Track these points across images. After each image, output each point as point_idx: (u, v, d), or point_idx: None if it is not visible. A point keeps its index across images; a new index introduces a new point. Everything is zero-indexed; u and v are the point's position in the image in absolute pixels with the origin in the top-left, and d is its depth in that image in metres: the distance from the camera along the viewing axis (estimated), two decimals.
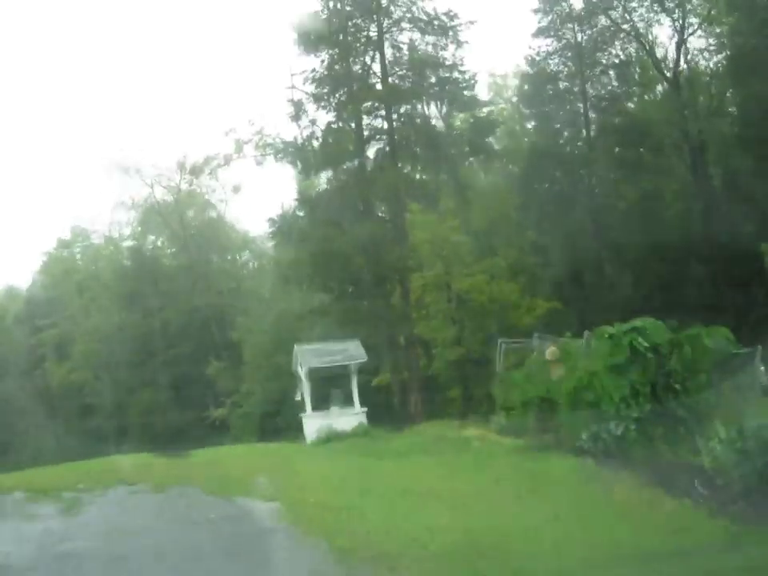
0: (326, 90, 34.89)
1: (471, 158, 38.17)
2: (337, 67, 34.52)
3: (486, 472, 14.73)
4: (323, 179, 38.70)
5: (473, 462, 16.38)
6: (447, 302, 30.75)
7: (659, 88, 38.91)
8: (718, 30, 35.40)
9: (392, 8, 34.72)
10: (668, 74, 35.98)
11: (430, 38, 35.00)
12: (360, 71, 35.20)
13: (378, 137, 35.66)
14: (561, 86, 36.90)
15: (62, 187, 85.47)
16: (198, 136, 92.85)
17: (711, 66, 36.96)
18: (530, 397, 19.59)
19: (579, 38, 36.13)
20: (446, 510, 11.64)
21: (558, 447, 16.21)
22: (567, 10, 36.01)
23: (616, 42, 36.66)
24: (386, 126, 34.96)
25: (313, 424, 25.78)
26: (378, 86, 35.15)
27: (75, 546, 11.27)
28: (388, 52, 35.02)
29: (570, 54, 36.16)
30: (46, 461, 25.40)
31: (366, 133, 35.34)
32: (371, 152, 36.11)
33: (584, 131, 36.86)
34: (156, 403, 43.32)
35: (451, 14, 34.36)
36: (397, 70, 35.72)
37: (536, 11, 36.27)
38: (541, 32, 36.43)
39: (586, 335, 19.53)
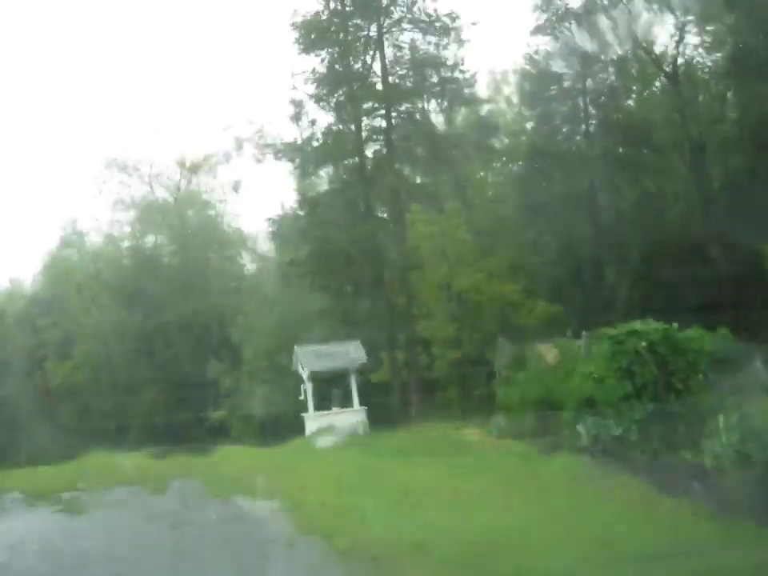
0: (325, 91, 34.88)
1: (472, 158, 38.15)
2: (337, 67, 34.52)
3: (485, 472, 14.72)
4: (323, 179, 38.73)
5: (472, 462, 16.36)
6: (447, 302, 30.73)
7: (658, 86, 38.84)
8: (714, 28, 35.31)
9: (392, 8, 34.76)
10: (667, 70, 35.94)
11: (432, 38, 35.04)
12: (360, 71, 35.18)
13: (376, 136, 35.65)
14: (560, 84, 36.82)
15: (61, 186, 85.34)
16: (198, 135, 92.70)
17: (710, 64, 36.89)
18: (529, 397, 19.62)
19: (577, 36, 36.09)
20: (445, 510, 11.63)
21: (558, 447, 16.21)
22: (565, 8, 35.96)
23: (615, 40, 36.61)
24: (384, 124, 34.95)
25: (314, 424, 25.81)
26: (379, 86, 35.15)
27: None
28: (388, 51, 35.07)
29: (568, 51, 36.11)
30: (45, 460, 25.41)
31: (365, 133, 35.33)
32: (370, 151, 36.12)
33: (583, 130, 36.80)
34: (156, 403, 43.23)
35: (453, 15, 34.43)
36: (398, 69, 35.74)
37: (534, 9, 36.26)
38: (539, 30, 36.36)
39: (584, 336, 19.54)
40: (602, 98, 35.95)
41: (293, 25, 34.35)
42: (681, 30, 34.96)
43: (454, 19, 34.36)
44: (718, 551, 8.83)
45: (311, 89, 34.95)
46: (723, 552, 8.78)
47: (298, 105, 35.45)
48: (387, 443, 21.31)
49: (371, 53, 34.96)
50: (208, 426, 39.63)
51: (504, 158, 39.45)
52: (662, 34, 36.90)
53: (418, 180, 37.88)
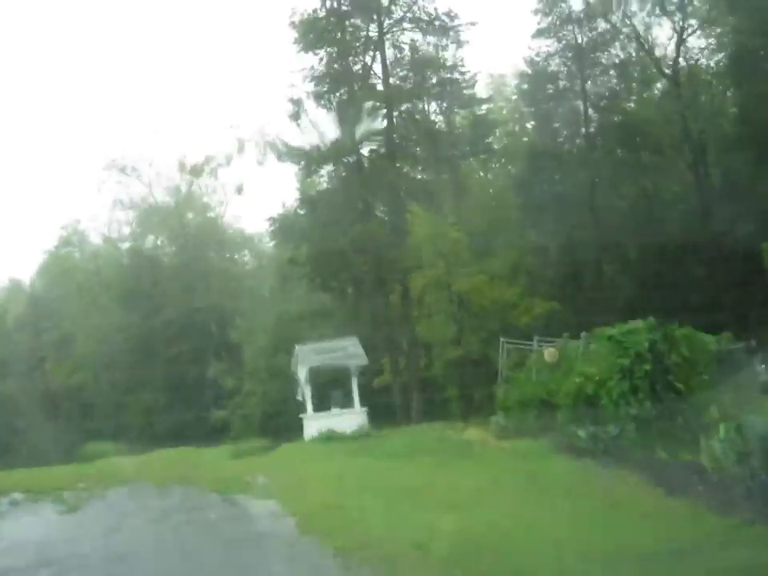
0: (325, 89, 34.89)
1: (471, 158, 38.17)
2: (336, 66, 34.53)
3: (485, 472, 14.70)
4: (323, 178, 38.72)
5: (472, 463, 16.36)
6: (448, 302, 30.72)
7: (659, 88, 38.92)
8: (718, 30, 35.39)
9: (393, 7, 34.77)
10: (668, 72, 36.00)
11: (431, 39, 35.10)
12: (360, 71, 35.20)
13: (376, 136, 35.64)
14: (560, 86, 36.88)
15: (61, 186, 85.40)
16: (198, 136, 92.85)
17: (711, 65, 36.97)
18: (529, 397, 19.63)
19: (579, 39, 36.13)
20: (445, 510, 11.61)
21: (557, 447, 16.22)
22: (567, 11, 36.00)
23: (616, 42, 36.66)
24: (385, 123, 34.94)
25: (313, 424, 25.75)
26: (379, 86, 35.18)
27: None
28: (389, 52, 35.15)
29: (569, 54, 36.16)
30: (45, 461, 25.41)
31: (365, 132, 35.31)
32: (371, 151, 36.11)
33: (583, 131, 36.85)
34: (156, 403, 43.27)
35: (452, 14, 34.48)
36: (398, 70, 35.74)
37: (536, 12, 36.32)
38: (540, 33, 36.43)
39: (584, 336, 19.53)
40: (603, 99, 36.02)
41: (291, 24, 34.45)
42: (681, 32, 35.08)
43: (452, 18, 34.41)
44: (718, 551, 8.82)
45: (311, 87, 35.04)
46: (723, 552, 8.77)
47: (297, 104, 35.47)
48: (388, 444, 21.28)
49: (371, 53, 34.99)
50: (208, 426, 39.60)
51: (504, 159, 39.46)
52: (663, 37, 36.99)
53: (418, 177, 37.91)
